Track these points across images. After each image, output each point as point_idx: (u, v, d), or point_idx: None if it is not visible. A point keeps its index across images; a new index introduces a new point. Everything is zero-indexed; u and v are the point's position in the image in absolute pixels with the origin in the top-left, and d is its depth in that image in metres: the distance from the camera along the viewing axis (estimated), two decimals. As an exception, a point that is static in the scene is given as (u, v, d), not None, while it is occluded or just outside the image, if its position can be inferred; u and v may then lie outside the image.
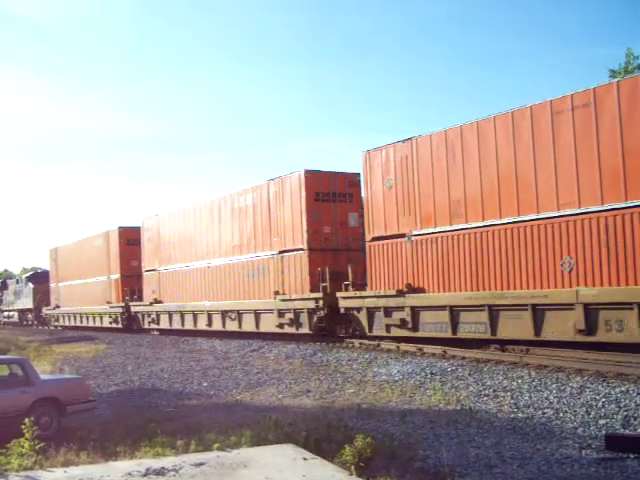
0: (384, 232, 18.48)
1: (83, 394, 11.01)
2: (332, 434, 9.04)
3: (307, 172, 21.28)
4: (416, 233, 17.45)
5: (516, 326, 14.86)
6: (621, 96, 13.00)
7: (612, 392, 10.95)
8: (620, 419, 9.68)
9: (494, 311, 15.32)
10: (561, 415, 10.26)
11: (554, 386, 11.90)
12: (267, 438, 8.83)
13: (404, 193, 17.76)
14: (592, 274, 13.49)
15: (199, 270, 27.28)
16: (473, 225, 15.88)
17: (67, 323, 42.77)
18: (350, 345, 19.89)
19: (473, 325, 15.94)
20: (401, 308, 17.68)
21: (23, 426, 8.36)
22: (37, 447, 8.17)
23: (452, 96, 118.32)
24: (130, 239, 34.39)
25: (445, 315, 16.42)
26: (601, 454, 8.01)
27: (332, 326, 20.72)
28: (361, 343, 19.59)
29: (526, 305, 14.50)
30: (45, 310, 47.26)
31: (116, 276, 35.21)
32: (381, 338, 18.84)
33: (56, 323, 45.41)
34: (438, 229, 16.84)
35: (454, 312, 16.26)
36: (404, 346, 17.88)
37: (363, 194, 20.00)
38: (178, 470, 7.31)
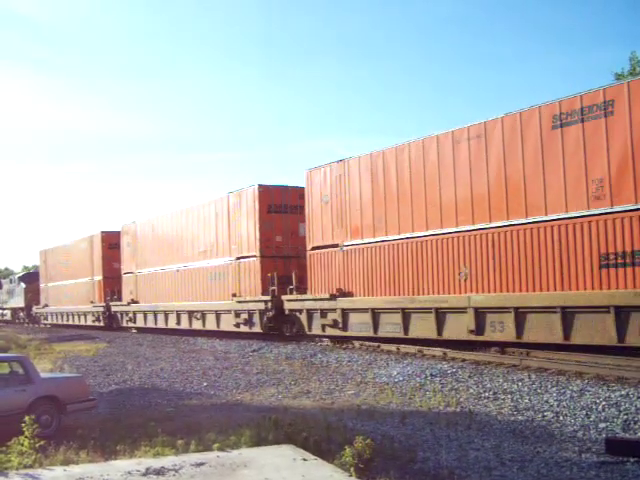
0: (321, 242, 20.87)
1: (83, 393, 11.01)
2: (332, 435, 9.04)
3: (260, 187, 23.67)
4: (347, 244, 19.85)
5: (423, 327, 17.16)
6: (505, 130, 15.36)
7: (612, 395, 10.95)
8: (620, 423, 9.68)
9: (407, 313, 17.60)
10: (561, 418, 10.26)
11: (554, 389, 11.89)
12: (267, 438, 8.83)
13: (337, 208, 20.24)
14: (482, 282, 15.78)
15: (170, 273, 29.99)
16: (391, 238, 18.23)
17: (55, 321, 45.57)
18: (350, 346, 19.96)
19: (390, 325, 18.25)
20: (333, 310, 20.07)
21: (23, 424, 8.37)
22: (37, 445, 8.18)
23: (453, 97, 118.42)
24: (112, 243, 36.92)
25: (368, 317, 18.73)
26: (601, 458, 8.00)
27: (279, 325, 23.07)
28: (361, 344, 19.66)
29: (431, 308, 16.78)
30: (35, 309, 49.86)
31: (99, 278, 37.82)
32: (319, 336, 21.44)
33: (45, 321, 48.10)
34: (364, 240, 19.20)
35: (375, 314, 18.57)
36: (404, 348, 17.94)
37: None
38: (178, 470, 7.32)
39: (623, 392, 11.07)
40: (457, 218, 16.33)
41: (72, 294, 41.72)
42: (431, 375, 14.39)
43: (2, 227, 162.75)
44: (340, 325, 19.86)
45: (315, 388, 14.21)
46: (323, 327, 20.69)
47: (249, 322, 24.01)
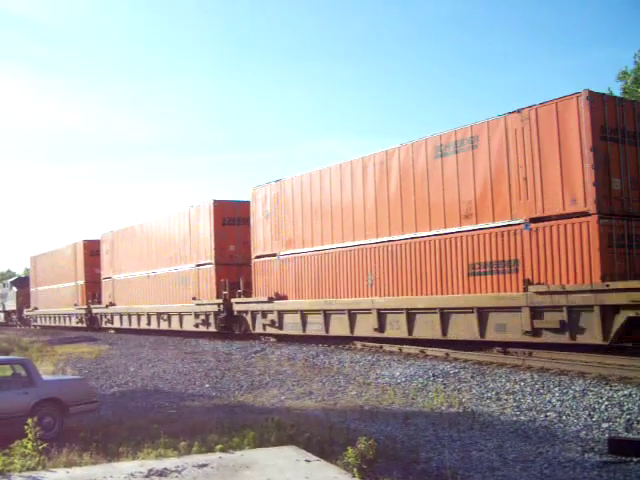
0: (263, 252, 23.99)
1: (85, 395, 11.02)
2: (334, 436, 9.04)
3: (215, 202, 26.91)
4: (282, 253, 22.92)
5: (340, 326, 20.03)
6: (400, 158, 18.10)
7: (615, 395, 10.93)
8: (623, 422, 9.67)
9: (327, 314, 20.49)
10: (564, 418, 10.25)
11: (557, 389, 11.88)
12: (269, 440, 8.83)
13: (275, 222, 23.34)
14: (383, 288, 18.54)
15: (142, 278, 33.29)
16: (315, 249, 21.28)
17: (43, 323, 49.09)
18: (353, 347, 19.97)
19: (315, 325, 21.07)
20: (271, 312, 23.04)
21: (26, 427, 8.37)
22: (40, 448, 8.18)
23: (455, 98, 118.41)
24: (93, 250, 40.17)
25: (298, 317, 21.76)
26: (604, 457, 7.99)
27: (230, 325, 25.96)
28: (364, 345, 19.67)
29: (344, 310, 19.70)
30: (26, 311, 53.31)
31: (81, 282, 41.25)
32: (262, 334, 24.35)
33: (35, 323, 51.52)
34: (295, 251, 22.23)
35: (304, 315, 21.55)
36: (406, 348, 17.95)
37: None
38: (180, 471, 7.32)
39: (626, 392, 11.06)
40: (365, 232, 19.25)
41: (58, 298, 45.01)
42: (433, 376, 14.39)
43: (4, 229, 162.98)
44: (277, 324, 22.87)
45: (318, 389, 14.21)
46: (264, 326, 23.57)
47: (206, 322, 27.09)
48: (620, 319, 13.16)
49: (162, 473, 7.27)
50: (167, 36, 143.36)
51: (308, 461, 7.59)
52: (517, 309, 14.96)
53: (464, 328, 16.19)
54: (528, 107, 15.27)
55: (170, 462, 7.76)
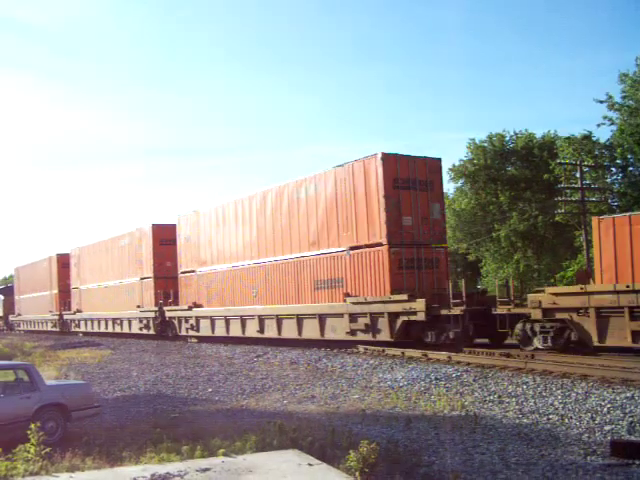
0: (185, 268, 30.15)
1: (88, 400, 11.03)
2: (337, 440, 9.04)
3: (154, 226, 32.78)
4: (199, 270, 29.05)
5: (236, 329, 25.77)
6: (273, 196, 23.91)
7: (617, 398, 10.93)
8: (625, 425, 9.66)
9: (227, 319, 26.41)
10: (566, 421, 10.24)
11: (559, 392, 11.87)
12: (272, 444, 8.83)
13: (194, 244, 29.36)
14: (263, 298, 24.31)
15: (101, 289, 39.70)
16: (219, 267, 27.41)
17: (25, 328, 55.15)
18: (355, 351, 19.97)
19: (220, 328, 26.80)
20: (191, 317, 29.06)
21: (29, 431, 8.38)
22: (43, 452, 8.18)
23: (458, 101, 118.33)
24: (64, 263, 45.71)
25: (209, 322, 27.68)
26: (607, 460, 7.99)
27: (164, 329, 31.69)
28: (366, 349, 19.67)
29: (238, 316, 25.61)
30: (11, 317, 59.79)
31: (55, 291, 47.30)
32: (188, 336, 30.00)
33: (18, 328, 57.47)
34: (207, 268, 28.37)
35: (212, 320, 27.47)
36: (409, 352, 17.94)
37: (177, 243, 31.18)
38: (183, 476, 7.32)
39: (628, 394, 11.05)
40: (251, 254, 25.14)
41: (37, 305, 51.22)
42: (436, 379, 14.38)
43: (7, 234, 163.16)
44: (195, 328, 28.83)
45: (320, 393, 14.20)
46: (187, 330, 29.51)
47: (147, 326, 32.94)
48: (399, 322, 18.37)
49: (165, 477, 7.27)
50: (175, 41, 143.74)
51: (310, 465, 7.59)
52: (341, 315, 20.30)
53: (312, 330, 21.58)
54: (349, 163, 20.14)
55: (173, 466, 7.77)
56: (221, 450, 8.42)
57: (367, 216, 19.36)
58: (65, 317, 45.12)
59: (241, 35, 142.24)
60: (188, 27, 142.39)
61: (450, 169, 47.16)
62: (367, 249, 19.42)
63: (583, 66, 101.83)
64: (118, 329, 36.61)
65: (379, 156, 18.86)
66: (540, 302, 15.92)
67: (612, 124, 36.22)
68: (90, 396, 11.26)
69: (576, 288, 15.57)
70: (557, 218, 38.02)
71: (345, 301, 19.85)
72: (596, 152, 37.07)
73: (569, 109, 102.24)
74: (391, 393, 13.51)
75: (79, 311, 42.68)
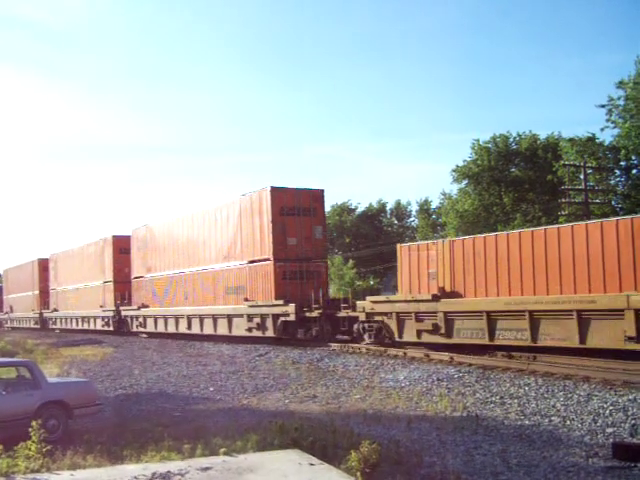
0: (137, 274, 35.29)
1: (90, 397, 11.03)
2: (338, 440, 9.03)
3: (114, 237, 38.39)
4: (147, 276, 34.24)
5: (172, 326, 30.84)
6: (199, 215, 29.42)
7: (619, 400, 10.90)
8: (628, 427, 9.63)
9: (166, 318, 31.42)
10: (568, 423, 10.22)
11: (561, 394, 11.85)
12: (273, 443, 8.83)
13: (145, 254, 34.45)
14: (190, 300, 29.46)
15: (72, 290, 44.86)
16: (161, 273, 32.62)
17: (13, 325, 59.93)
18: (357, 351, 19.96)
19: (161, 325, 31.93)
20: (140, 316, 34.15)
21: (30, 429, 8.39)
22: (44, 450, 8.20)
23: (465, 100, 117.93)
24: (45, 266, 51.07)
25: (152, 320, 32.84)
26: (608, 462, 7.97)
27: (121, 326, 36.52)
28: (368, 349, 19.67)
29: (173, 316, 30.75)
30: (0, 315, 65.36)
31: (36, 292, 52.88)
32: (137, 332, 34.91)
33: (7, 325, 62.02)
34: (153, 274, 33.58)
35: (156, 318, 32.50)
36: (411, 352, 17.93)
37: (132, 253, 36.42)
38: (184, 474, 7.33)
39: (630, 397, 11.03)
40: (184, 264, 30.13)
41: (22, 304, 56.88)
42: (438, 379, 14.36)
43: (5, 233, 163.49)
44: (143, 325, 33.77)
45: (322, 393, 14.19)
46: (137, 326, 34.47)
47: (107, 324, 38.04)
48: (279, 322, 23.33)
49: (166, 476, 7.28)
50: (180, 39, 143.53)
51: (312, 465, 7.59)
52: (242, 315, 25.37)
53: (223, 327, 26.59)
54: (250, 193, 25.11)
55: (174, 465, 7.77)
56: (222, 449, 8.43)
57: (260, 236, 24.47)
58: (44, 315, 50.35)
59: (241, 35, 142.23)
60: (193, 26, 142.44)
61: (454, 170, 47.20)
62: (260, 263, 24.47)
63: (588, 67, 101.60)
64: (86, 326, 41.54)
65: (268, 189, 23.99)
66: (364, 308, 20.29)
67: (615, 127, 36.24)
68: (92, 394, 11.26)
69: (385, 298, 20.83)
70: (561, 220, 38.01)
71: (244, 304, 24.83)
72: (600, 154, 37.05)
73: (573, 110, 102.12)
74: (393, 393, 13.49)
75: (56, 310, 47.82)
